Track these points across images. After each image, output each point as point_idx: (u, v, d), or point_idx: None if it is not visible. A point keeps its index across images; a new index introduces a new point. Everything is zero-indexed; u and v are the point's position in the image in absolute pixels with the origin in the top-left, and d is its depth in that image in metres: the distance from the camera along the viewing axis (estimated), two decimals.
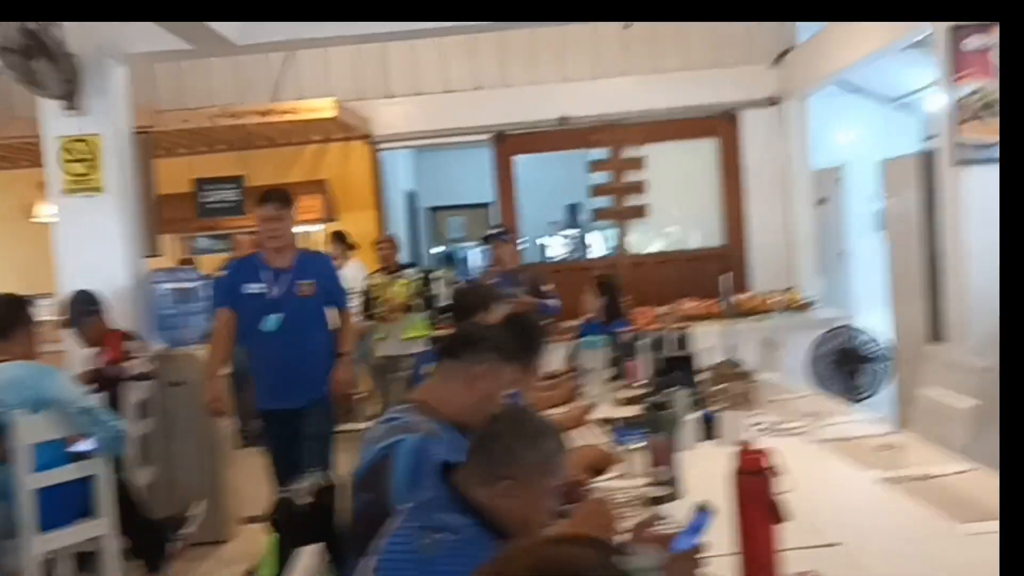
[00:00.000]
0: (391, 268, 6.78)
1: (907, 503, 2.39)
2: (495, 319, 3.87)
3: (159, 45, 4.98)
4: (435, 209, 12.54)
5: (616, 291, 5.42)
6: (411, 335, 6.50)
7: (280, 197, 4.21)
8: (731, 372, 3.92)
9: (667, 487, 2.53)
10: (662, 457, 2.56)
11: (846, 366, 5.62)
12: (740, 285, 8.56)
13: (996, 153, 4.57)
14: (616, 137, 8.66)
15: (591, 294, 5.35)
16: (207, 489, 4.68)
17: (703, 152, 8.83)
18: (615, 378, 4.57)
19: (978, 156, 4.58)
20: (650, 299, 8.30)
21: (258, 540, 4.90)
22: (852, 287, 10.61)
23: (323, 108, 7.12)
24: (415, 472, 2.17)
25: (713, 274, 8.83)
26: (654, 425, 2.58)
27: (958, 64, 4.58)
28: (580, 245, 10.68)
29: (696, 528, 1.72)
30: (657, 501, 2.47)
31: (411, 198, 10.97)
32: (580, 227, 10.89)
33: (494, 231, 6.26)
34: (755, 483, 1.86)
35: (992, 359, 3.84)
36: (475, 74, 8.60)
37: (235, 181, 7.01)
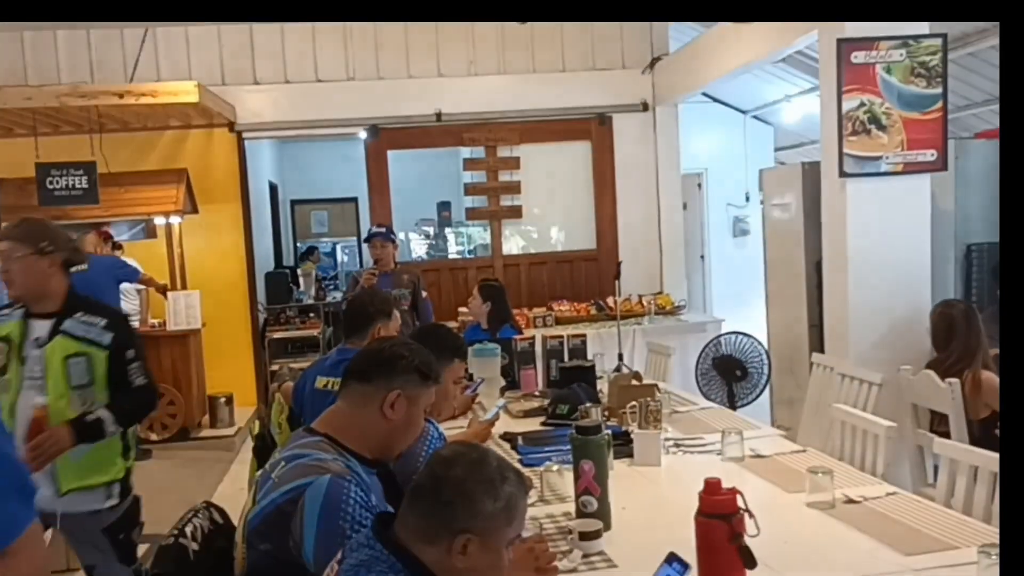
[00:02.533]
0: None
1: (848, 533, 2.32)
2: (394, 329, 3.64)
3: None
4: (297, 203, 12.05)
5: (502, 296, 5.25)
6: None
7: None
8: (633, 385, 3.82)
9: (596, 519, 2.37)
10: (591, 485, 2.40)
11: (728, 373, 5.66)
12: (610, 288, 8.59)
13: (880, 167, 4.68)
14: (491, 136, 8.53)
15: (476, 298, 5.17)
16: None
17: (576, 154, 8.79)
18: (508, 388, 4.42)
19: (863, 169, 4.66)
20: (522, 301, 8.24)
21: None
22: (709, 291, 10.94)
23: (185, 92, 6.62)
24: (328, 521, 1.89)
25: (584, 276, 8.86)
26: (583, 451, 2.41)
27: (846, 77, 4.64)
28: (442, 244, 10.48)
29: None
30: (586, 536, 2.29)
31: (273, 190, 10.47)
32: (450, 225, 10.67)
33: (378, 230, 5.98)
34: (721, 528, 1.71)
35: (883, 374, 3.89)
36: (348, 64, 8.26)
37: (86, 167, 6.41)
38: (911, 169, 4.71)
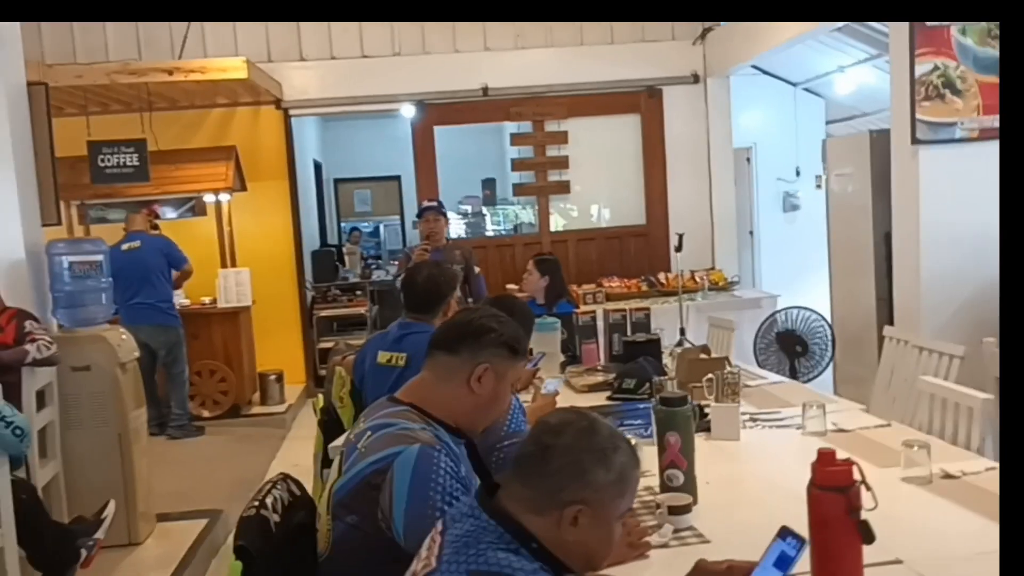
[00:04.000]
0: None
1: (953, 509, 2.20)
2: (453, 305, 3.56)
3: None
4: (340, 181, 12.02)
5: (558, 271, 5.15)
6: None
7: None
8: (702, 358, 3.71)
9: (683, 494, 2.27)
10: (677, 459, 2.30)
11: (788, 348, 5.51)
12: (663, 264, 8.46)
13: (955, 133, 4.51)
14: (539, 110, 8.41)
15: (533, 273, 5.07)
16: (117, 486, 4.20)
17: (625, 128, 8.64)
18: (568, 362, 4.32)
19: (937, 136, 4.49)
20: (570, 278, 8.12)
21: (175, 540, 4.50)
22: (759, 267, 10.74)
23: (234, 68, 6.57)
24: (418, 492, 1.81)
25: (634, 252, 8.72)
26: (668, 423, 2.31)
27: (919, 40, 4.46)
28: (484, 222, 10.40)
29: (784, 561, 1.46)
30: (676, 510, 2.20)
31: (317, 169, 10.44)
32: (494, 203, 10.59)
33: (431, 204, 5.89)
34: (838, 501, 1.60)
35: (965, 347, 3.74)
36: (393, 40, 8.17)
37: (136, 144, 6.39)
38: (987, 135, 4.52)
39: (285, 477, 2.29)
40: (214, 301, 7.15)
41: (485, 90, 8.22)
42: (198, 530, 4.55)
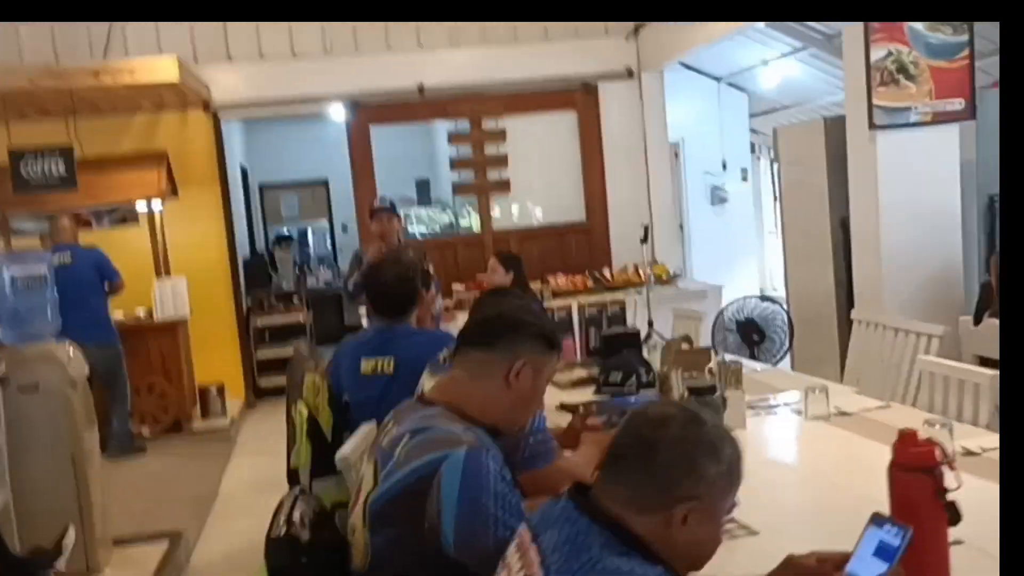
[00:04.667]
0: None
1: (987, 486, 2.19)
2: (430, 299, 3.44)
3: None
4: (266, 187, 11.70)
5: (521, 267, 5.06)
6: None
7: None
8: (687, 350, 3.67)
9: None
10: None
11: (746, 338, 5.54)
12: (604, 259, 8.47)
13: (909, 117, 4.58)
14: (476, 108, 8.31)
15: (498, 270, 4.98)
16: (72, 512, 3.94)
17: (563, 125, 8.61)
18: None
19: (893, 121, 4.55)
20: None
21: (136, 566, 4.26)
22: (690, 260, 10.86)
23: (164, 69, 6.29)
24: (470, 500, 1.68)
25: (575, 249, 8.70)
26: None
27: (875, 26, 4.52)
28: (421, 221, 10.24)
29: (887, 551, 1.40)
30: None
31: (244, 174, 10.13)
32: (428, 204, 10.44)
33: (383, 204, 5.72)
34: (925, 483, 1.55)
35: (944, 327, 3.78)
36: (324, 38, 7.97)
37: (63, 151, 6.04)
38: (940, 119, 4.62)
39: (301, 491, 2.15)
40: (150, 313, 6.84)
41: (421, 89, 8.09)
42: (159, 554, 4.32)
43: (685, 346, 3.80)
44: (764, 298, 5.64)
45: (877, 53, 4.55)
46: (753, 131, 11.54)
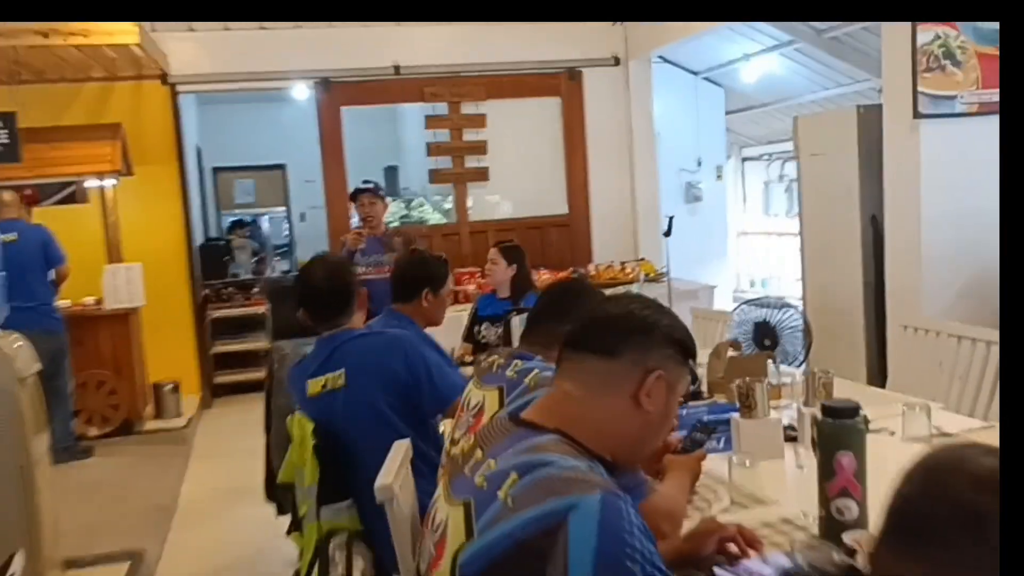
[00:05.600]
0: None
1: None
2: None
3: None
4: (220, 170, 11.02)
5: (524, 259, 4.59)
6: None
7: None
8: (737, 356, 3.26)
9: (858, 527, 1.78)
10: (851, 485, 1.81)
11: (760, 340, 5.14)
12: (585, 255, 8.06)
13: (954, 107, 4.23)
14: (456, 91, 7.82)
15: (499, 262, 4.50)
16: (19, 529, 3.37)
17: (546, 113, 8.18)
18: None
19: (938, 109, 4.20)
20: None
21: None
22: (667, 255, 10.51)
23: (123, 32, 5.68)
24: (610, 563, 1.23)
25: (555, 243, 8.27)
26: (838, 440, 1.82)
27: None
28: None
29: None
30: (852, 553, 1.70)
31: (198, 156, 9.47)
32: (396, 194, 9.91)
33: (366, 185, 5.22)
34: None
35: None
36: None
37: (5, 118, 5.40)
38: (986, 109, 4.28)
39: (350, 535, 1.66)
40: (99, 302, 6.21)
41: (397, 68, 7.58)
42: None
43: (732, 350, 3.39)
44: (782, 300, 5.24)
45: (924, 37, 4.19)
46: (729, 130, 11.26)
